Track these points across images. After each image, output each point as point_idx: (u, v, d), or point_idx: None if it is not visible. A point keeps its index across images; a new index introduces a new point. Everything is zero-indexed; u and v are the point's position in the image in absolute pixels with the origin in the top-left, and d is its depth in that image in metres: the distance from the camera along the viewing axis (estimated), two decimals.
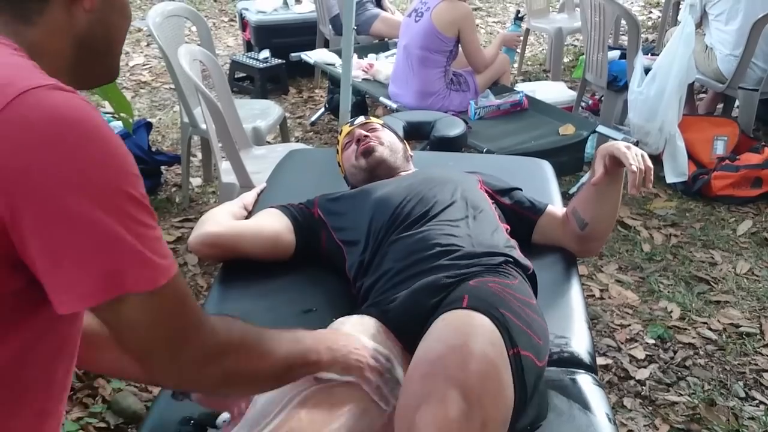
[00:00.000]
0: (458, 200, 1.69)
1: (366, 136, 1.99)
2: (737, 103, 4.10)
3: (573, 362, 1.54)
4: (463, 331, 1.28)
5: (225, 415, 1.37)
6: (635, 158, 1.64)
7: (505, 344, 1.27)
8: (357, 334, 1.33)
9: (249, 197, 2.05)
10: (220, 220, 1.79)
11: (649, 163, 1.67)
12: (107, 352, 1.11)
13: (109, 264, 0.80)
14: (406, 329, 1.40)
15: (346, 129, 2.08)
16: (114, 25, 0.96)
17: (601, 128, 3.59)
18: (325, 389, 1.25)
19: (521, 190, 1.93)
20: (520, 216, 1.86)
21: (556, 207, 1.94)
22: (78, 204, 0.78)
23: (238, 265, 1.74)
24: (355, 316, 1.45)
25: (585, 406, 1.40)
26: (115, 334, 0.87)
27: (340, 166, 2.11)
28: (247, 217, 1.89)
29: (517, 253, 1.62)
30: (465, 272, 1.46)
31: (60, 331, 0.91)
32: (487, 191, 1.85)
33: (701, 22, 4.05)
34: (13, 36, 0.88)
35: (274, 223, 1.77)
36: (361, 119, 2.10)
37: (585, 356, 1.56)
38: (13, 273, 0.81)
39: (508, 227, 1.76)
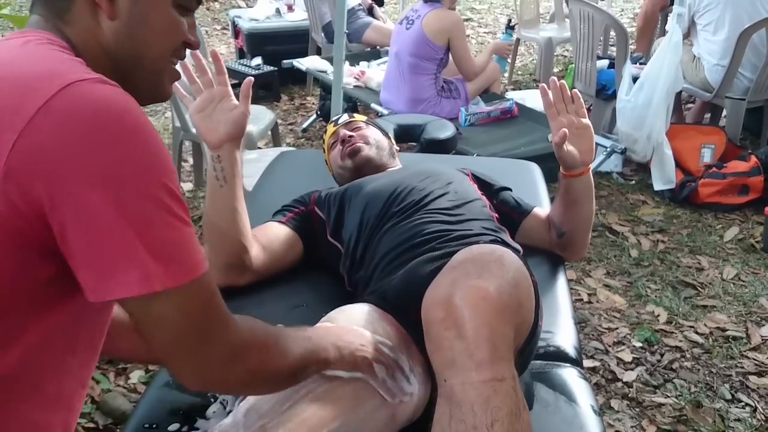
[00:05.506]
0: (449, 192, 1.69)
1: (351, 136, 1.98)
2: (724, 112, 4.14)
3: (559, 356, 1.56)
4: (493, 248, 1.29)
5: (215, 406, 1.38)
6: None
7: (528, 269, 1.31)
8: (358, 328, 1.30)
9: None
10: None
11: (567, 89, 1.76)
12: (121, 335, 1.11)
13: (147, 256, 0.80)
14: (406, 307, 1.33)
15: (331, 129, 2.08)
16: (143, 41, 0.95)
17: None
18: (328, 385, 1.22)
19: (510, 190, 1.93)
20: (505, 215, 1.83)
21: (542, 210, 1.92)
22: (120, 194, 0.79)
23: None
24: (350, 305, 1.43)
25: (570, 398, 1.42)
26: (142, 328, 0.86)
27: (327, 164, 2.12)
28: None
29: (507, 237, 1.63)
30: (459, 247, 1.42)
31: (77, 327, 0.91)
32: (476, 185, 1.86)
33: (689, 33, 4.09)
34: (56, 31, 0.89)
35: (288, 247, 1.76)
36: (344, 118, 2.08)
37: (571, 350, 1.58)
38: (41, 263, 0.82)
39: (497, 216, 1.77)
